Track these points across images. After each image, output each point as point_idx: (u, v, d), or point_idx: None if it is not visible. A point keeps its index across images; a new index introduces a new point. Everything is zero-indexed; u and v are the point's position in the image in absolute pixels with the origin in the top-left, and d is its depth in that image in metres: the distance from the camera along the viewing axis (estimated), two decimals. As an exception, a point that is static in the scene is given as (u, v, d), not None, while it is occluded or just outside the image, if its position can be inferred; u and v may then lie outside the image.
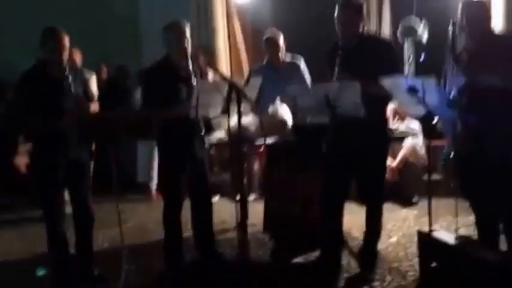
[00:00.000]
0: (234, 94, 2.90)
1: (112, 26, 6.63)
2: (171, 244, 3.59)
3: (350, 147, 3.15)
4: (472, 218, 3.35)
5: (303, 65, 4.47)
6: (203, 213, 3.65)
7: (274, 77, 4.13)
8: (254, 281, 3.31)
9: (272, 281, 3.40)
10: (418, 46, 5.50)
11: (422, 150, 4.91)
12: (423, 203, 4.81)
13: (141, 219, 5.00)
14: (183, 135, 3.39)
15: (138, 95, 5.94)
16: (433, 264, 2.96)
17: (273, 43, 4.33)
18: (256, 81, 3.22)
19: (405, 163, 4.85)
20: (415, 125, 4.71)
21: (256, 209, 4.98)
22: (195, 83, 3.26)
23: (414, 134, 4.24)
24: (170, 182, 3.55)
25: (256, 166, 5.50)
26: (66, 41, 3.24)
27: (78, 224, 3.47)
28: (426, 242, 3.02)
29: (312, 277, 3.37)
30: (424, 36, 5.47)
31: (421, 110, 2.73)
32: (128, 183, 5.99)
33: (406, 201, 4.74)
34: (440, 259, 2.89)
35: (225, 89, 3.08)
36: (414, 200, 4.81)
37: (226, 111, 3.23)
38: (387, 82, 2.82)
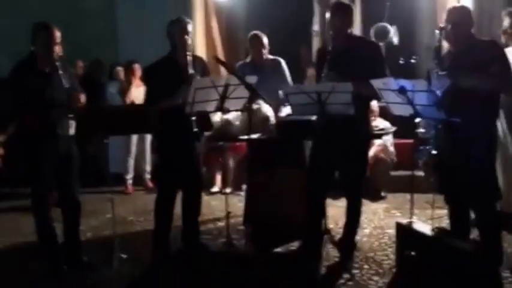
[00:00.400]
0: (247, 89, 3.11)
1: (88, 21, 6.57)
2: (161, 233, 3.68)
3: (336, 143, 3.34)
4: (438, 212, 3.65)
5: (283, 64, 4.63)
6: (194, 205, 3.76)
7: (256, 74, 4.25)
8: (237, 269, 3.46)
9: (254, 269, 3.52)
10: (389, 48, 5.81)
11: (391, 148, 5.20)
12: (390, 198, 5.12)
13: (119, 211, 5.03)
14: (183, 129, 3.46)
15: (112, 89, 5.98)
16: (409, 253, 3.20)
17: (257, 41, 4.46)
18: (252, 79, 3.35)
19: (375, 159, 5.11)
20: (386, 124, 4.97)
21: (233, 201, 5.16)
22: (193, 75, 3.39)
23: (389, 132, 4.51)
24: (167, 174, 3.64)
25: (231, 160, 5.64)
26: (57, 35, 3.30)
27: (66, 214, 3.52)
28: (404, 232, 3.25)
29: (294, 266, 3.54)
30: (395, 39, 5.78)
31: (408, 110, 2.95)
32: (101, 174, 6.02)
33: (375, 196, 5.01)
34: (418, 248, 3.13)
35: (222, 85, 3.22)
36: (382, 194, 5.09)
37: (219, 109, 3.37)
38: (377, 83, 3.03)
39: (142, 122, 3.20)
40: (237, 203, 4.73)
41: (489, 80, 2.94)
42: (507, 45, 3.81)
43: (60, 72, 3.27)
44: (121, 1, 6.44)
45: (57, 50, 3.30)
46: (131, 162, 5.78)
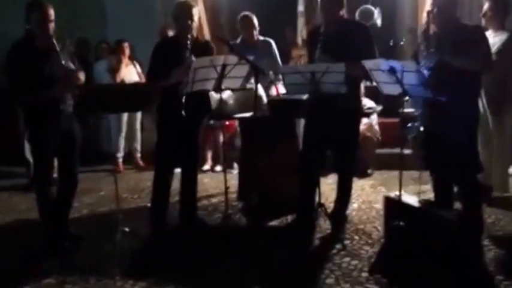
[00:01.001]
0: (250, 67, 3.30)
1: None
2: (159, 209, 3.82)
3: (328, 121, 3.49)
4: (423, 187, 3.87)
5: (274, 45, 4.77)
6: (192, 181, 3.90)
7: (248, 54, 4.37)
8: (234, 242, 3.62)
9: (251, 241, 3.69)
10: (373, 30, 5.96)
11: (376, 126, 5.40)
12: (376, 174, 5.34)
13: (113, 189, 5.08)
14: (179, 107, 3.56)
15: (100, 67, 5.99)
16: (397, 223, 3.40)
17: (248, 21, 4.57)
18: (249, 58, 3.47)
19: (362, 137, 5.30)
20: (372, 103, 5.16)
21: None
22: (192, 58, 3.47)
23: (377, 111, 4.69)
24: (165, 151, 3.75)
25: (221, 138, 5.77)
26: (51, 12, 3.34)
27: (62, 190, 3.60)
28: (392, 204, 3.45)
29: (289, 237, 3.72)
30: (378, 21, 5.95)
31: (397, 89, 3.12)
32: (93, 153, 6.06)
33: (362, 173, 5.20)
34: (405, 219, 3.33)
35: (220, 65, 3.34)
36: (369, 171, 5.30)
37: (217, 87, 3.48)
38: (368, 63, 3.19)
39: (145, 100, 3.27)
40: (230, 180, 4.85)
41: (472, 60, 3.12)
42: (486, 29, 4.01)
43: (58, 49, 3.32)
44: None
45: (52, 27, 3.33)
46: (122, 141, 5.84)
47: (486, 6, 4.02)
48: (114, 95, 3.25)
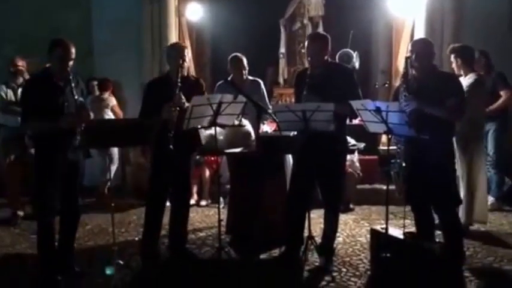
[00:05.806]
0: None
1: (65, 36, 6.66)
2: (150, 241, 3.90)
3: (317, 156, 3.67)
4: (402, 221, 4.06)
5: (262, 85, 5.00)
6: (182, 215, 3.99)
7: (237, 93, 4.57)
8: (224, 275, 3.69)
9: (240, 275, 3.75)
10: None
11: (357, 163, 5.63)
12: (358, 209, 5.53)
13: (99, 222, 5.15)
14: (167, 143, 3.64)
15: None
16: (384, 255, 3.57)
17: (238, 62, 4.79)
18: (242, 98, 3.65)
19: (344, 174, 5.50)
20: (352, 140, 5.38)
21: (210, 213, 5.40)
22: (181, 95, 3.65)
23: (360, 148, 4.90)
24: (156, 186, 3.85)
25: (207, 173, 5.89)
26: (72, 50, 3.48)
27: (65, 222, 3.64)
28: (378, 237, 3.63)
29: (278, 270, 3.82)
30: (357, 64, 6.29)
31: (382, 128, 3.35)
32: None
33: (344, 208, 5.36)
34: (391, 250, 3.50)
35: (216, 103, 3.50)
36: (351, 206, 5.49)
37: (212, 124, 3.64)
38: (356, 103, 3.41)
39: (146, 134, 3.41)
40: (215, 215, 4.96)
41: (446, 112, 3.42)
42: (460, 75, 4.33)
43: (73, 84, 3.46)
44: (98, 19, 6.55)
45: (71, 64, 3.47)
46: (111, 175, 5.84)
47: (453, 58, 4.37)
48: (118, 130, 3.37)
